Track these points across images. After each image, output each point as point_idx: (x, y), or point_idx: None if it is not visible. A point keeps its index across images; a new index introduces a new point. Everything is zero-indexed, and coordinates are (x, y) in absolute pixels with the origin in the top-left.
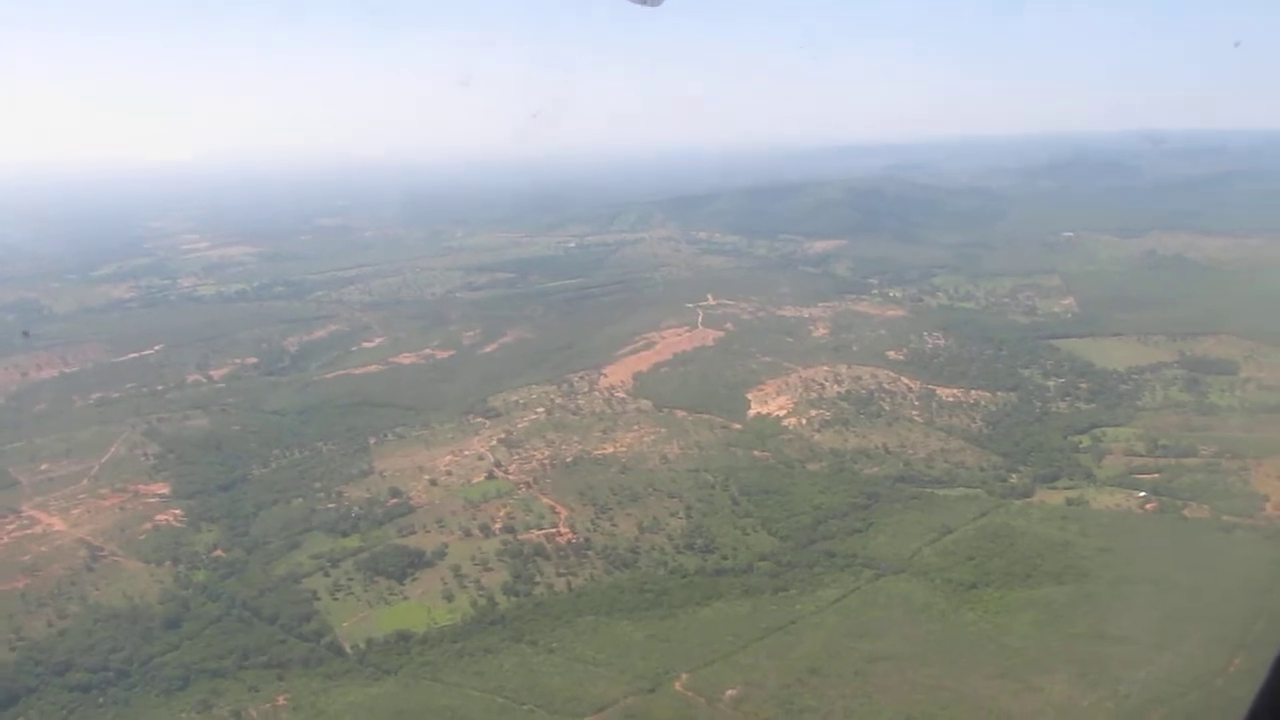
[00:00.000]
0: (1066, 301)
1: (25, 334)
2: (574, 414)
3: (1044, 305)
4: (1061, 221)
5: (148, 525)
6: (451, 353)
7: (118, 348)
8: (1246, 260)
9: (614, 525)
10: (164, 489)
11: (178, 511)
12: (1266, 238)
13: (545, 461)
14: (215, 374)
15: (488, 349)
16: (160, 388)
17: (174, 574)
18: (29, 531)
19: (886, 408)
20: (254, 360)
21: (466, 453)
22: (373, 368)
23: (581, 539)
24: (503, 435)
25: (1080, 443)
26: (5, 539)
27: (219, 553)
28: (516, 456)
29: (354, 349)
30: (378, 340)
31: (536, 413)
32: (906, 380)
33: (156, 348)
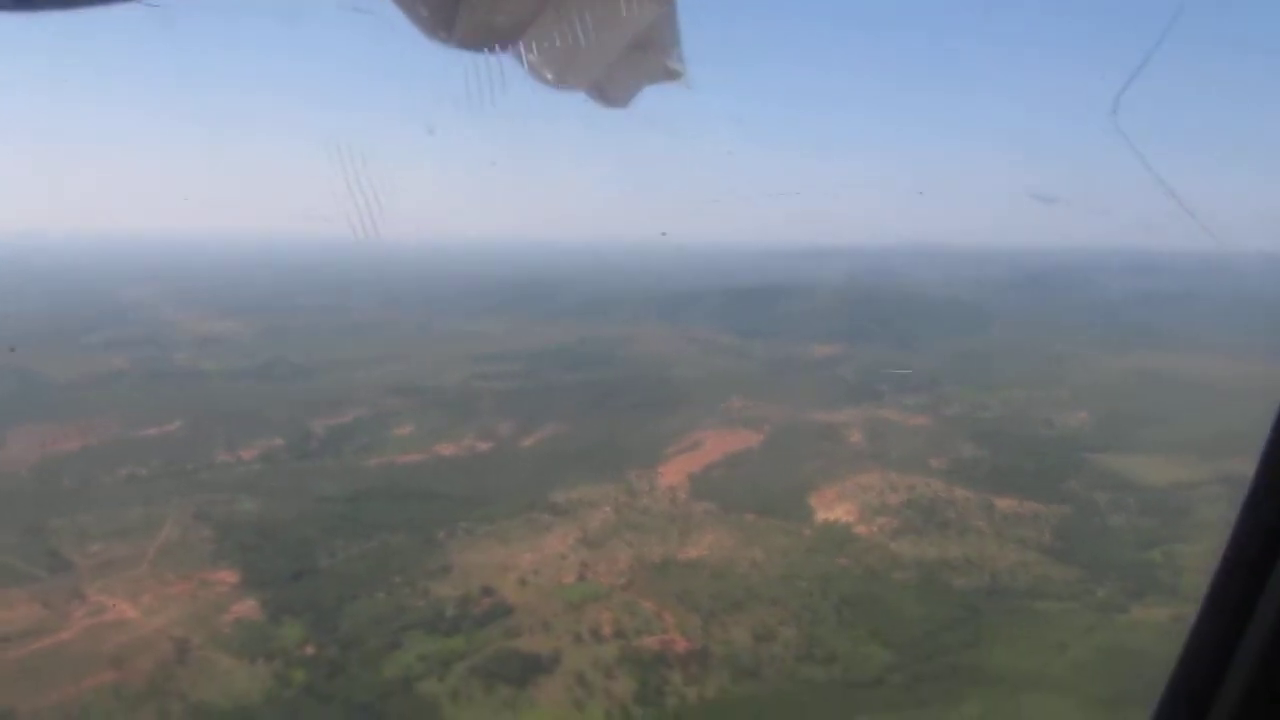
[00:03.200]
0: (1081, 415)
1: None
2: (643, 514)
3: (1060, 418)
4: (1042, 335)
5: (227, 617)
6: (491, 445)
7: (134, 422)
8: (1240, 379)
9: (726, 633)
10: (231, 577)
11: (253, 603)
12: (1248, 359)
13: (632, 564)
14: (244, 455)
15: (527, 443)
16: (190, 467)
17: (270, 671)
18: (101, 619)
19: (952, 517)
20: (281, 442)
21: (546, 551)
22: (415, 457)
23: (698, 647)
24: (578, 535)
25: (1154, 559)
26: (78, 627)
27: (310, 650)
28: (601, 558)
29: (386, 435)
30: (408, 428)
31: (604, 512)
32: (960, 490)
33: (176, 424)
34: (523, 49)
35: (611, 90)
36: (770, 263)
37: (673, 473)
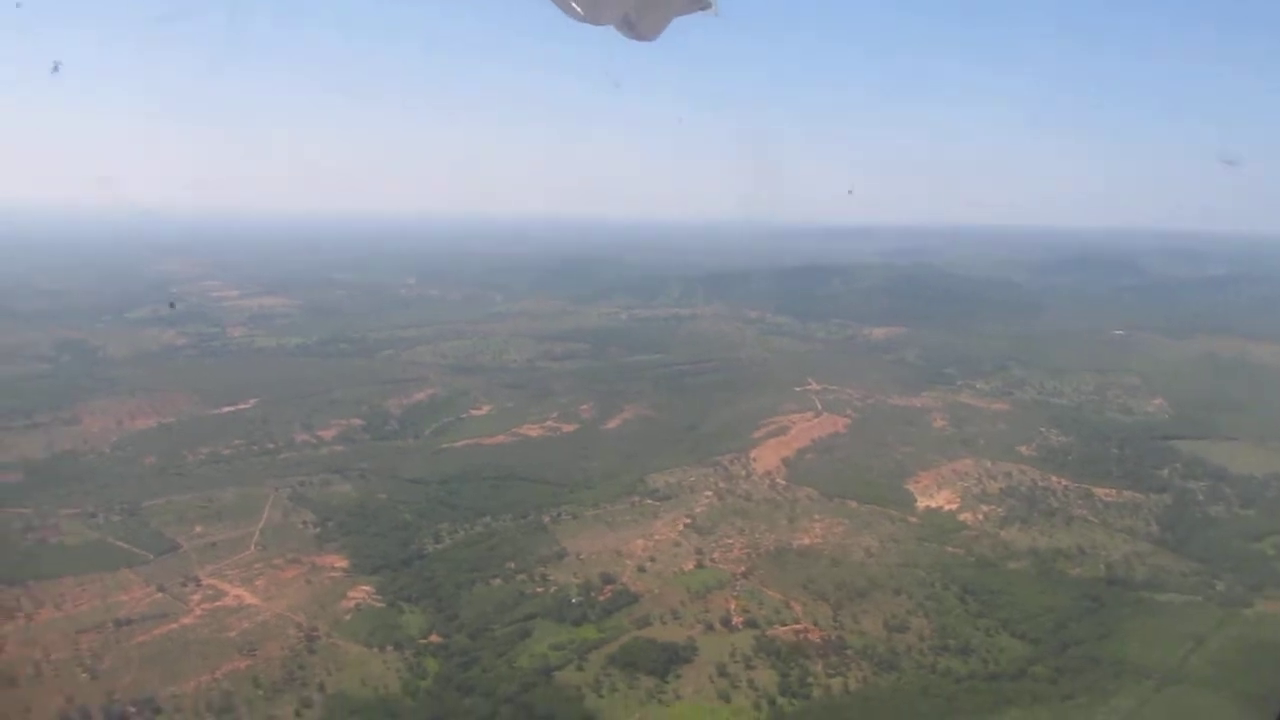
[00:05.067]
0: (1158, 402)
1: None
2: (746, 500)
3: (1136, 405)
4: (1097, 318)
5: (346, 604)
6: (575, 427)
7: (208, 400)
8: None
9: (857, 623)
10: (341, 562)
11: (368, 588)
12: None
13: (747, 551)
14: (323, 434)
15: (611, 425)
16: (271, 446)
17: (402, 660)
18: (221, 604)
19: (1055, 506)
20: (359, 422)
21: (657, 537)
22: (500, 439)
23: (832, 636)
24: (686, 520)
25: (1266, 551)
26: (199, 611)
27: (435, 638)
28: (714, 544)
29: (463, 416)
30: (485, 409)
31: (706, 496)
32: (1056, 478)
33: (251, 402)
34: None
35: (641, 23)
36: (809, 242)
37: (766, 457)
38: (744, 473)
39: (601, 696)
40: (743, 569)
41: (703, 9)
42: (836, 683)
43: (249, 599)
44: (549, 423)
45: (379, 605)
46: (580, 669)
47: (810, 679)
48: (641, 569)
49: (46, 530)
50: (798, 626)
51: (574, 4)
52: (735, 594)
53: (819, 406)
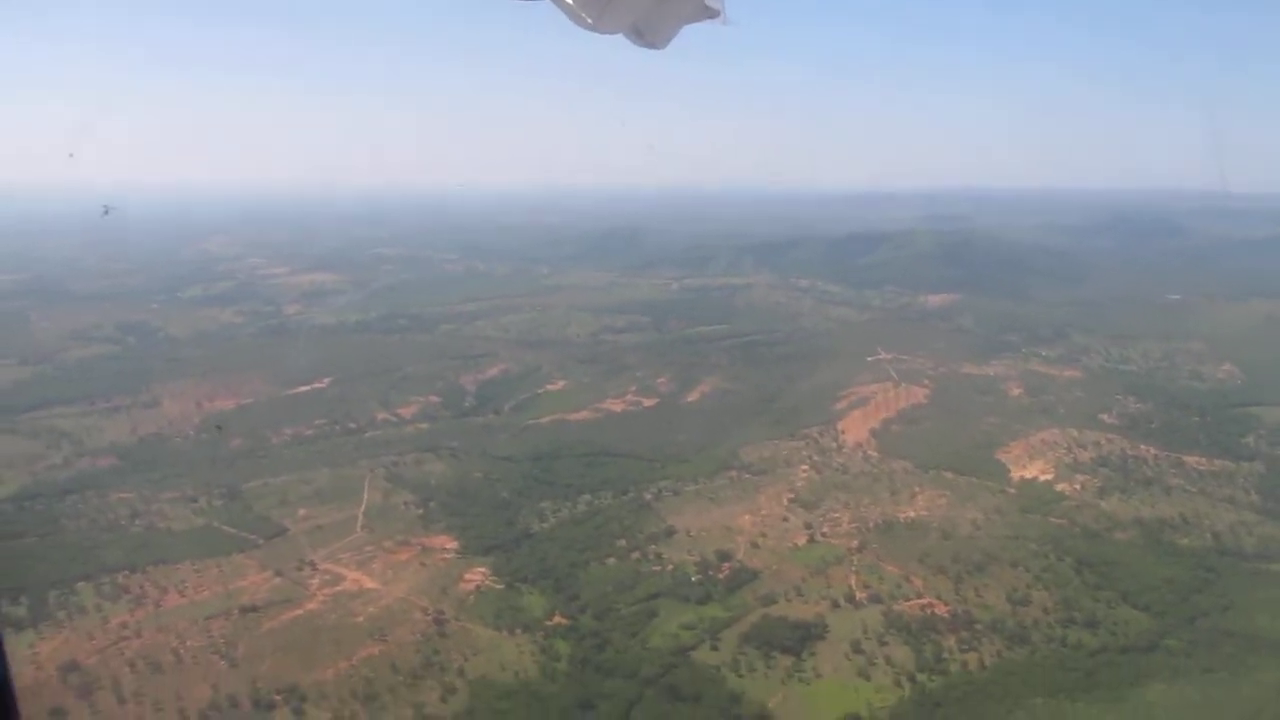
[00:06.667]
0: (1227, 368)
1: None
2: (843, 473)
3: (1207, 371)
4: (1148, 282)
5: (465, 586)
6: (656, 401)
7: (280, 380)
8: None
9: (980, 596)
10: (450, 543)
11: (483, 570)
12: None
13: (856, 525)
14: (403, 412)
15: (691, 398)
16: (353, 425)
17: (533, 643)
18: (341, 589)
19: (1150, 475)
20: (437, 399)
21: (763, 512)
22: (584, 414)
23: (959, 611)
24: (790, 495)
25: None
26: (321, 596)
27: (560, 619)
28: (822, 519)
29: (539, 392)
30: (560, 384)
31: (803, 470)
32: (1144, 446)
33: (325, 381)
34: None
35: (650, 31)
36: (840, 209)
37: (853, 429)
38: (835, 445)
39: (741, 676)
40: (855, 543)
41: (711, 18)
42: (971, 658)
43: (368, 583)
44: (629, 397)
45: (498, 587)
46: (714, 649)
47: (945, 654)
48: (755, 545)
49: (152, 515)
50: (922, 601)
51: (582, 13)
52: (854, 569)
53: (894, 376)
